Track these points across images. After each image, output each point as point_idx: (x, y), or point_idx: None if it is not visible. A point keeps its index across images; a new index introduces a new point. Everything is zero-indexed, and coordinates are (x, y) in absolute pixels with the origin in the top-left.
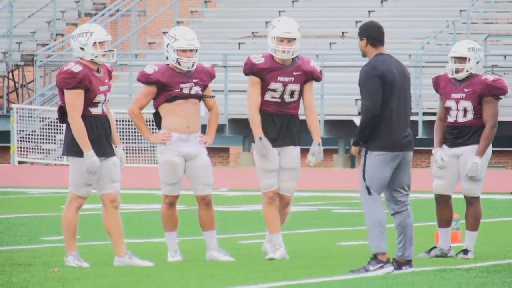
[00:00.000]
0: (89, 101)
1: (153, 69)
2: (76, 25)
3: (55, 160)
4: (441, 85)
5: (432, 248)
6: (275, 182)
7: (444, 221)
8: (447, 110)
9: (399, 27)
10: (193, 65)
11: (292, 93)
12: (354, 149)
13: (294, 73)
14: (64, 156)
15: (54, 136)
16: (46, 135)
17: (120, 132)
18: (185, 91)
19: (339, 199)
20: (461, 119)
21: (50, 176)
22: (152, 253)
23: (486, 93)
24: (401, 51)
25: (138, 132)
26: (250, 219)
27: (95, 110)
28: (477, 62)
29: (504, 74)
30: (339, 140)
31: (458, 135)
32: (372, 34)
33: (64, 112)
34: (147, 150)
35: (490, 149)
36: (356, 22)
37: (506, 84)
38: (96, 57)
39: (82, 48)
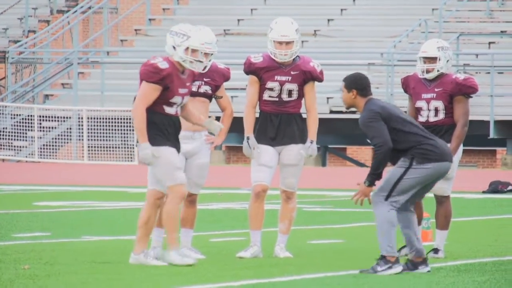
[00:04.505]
0: (165, 100)
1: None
2: (48, 22)
3: (26, 157)
4: (411, 86)
5: (402, 247)
6: (265, 177)
7: None
8: (417, 110)
9: (371, 25)
10: (204, 68)
11: (290, 92)
12: (366, 190)
13: (292, 72)
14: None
15: (26, 133)
16: (17, 132)
17: (94, 129)
18: (193, 88)
19: (310, 197)
20: (432, 119)
21: (21, 173)
22: (123, 250)
23: (457, 92)
24: (373, 49)
25: (112, 129)
26: (221, 217)
27: (168, 110)
28: (447, 61)
29: (476, 73)
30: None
31: None
32: (362, 85)
33: None
34: (119, 147)
35: (460, 148)
36: (328, 20)
37: (476, 82)
38: (183, 61)
39: (174, 47)
